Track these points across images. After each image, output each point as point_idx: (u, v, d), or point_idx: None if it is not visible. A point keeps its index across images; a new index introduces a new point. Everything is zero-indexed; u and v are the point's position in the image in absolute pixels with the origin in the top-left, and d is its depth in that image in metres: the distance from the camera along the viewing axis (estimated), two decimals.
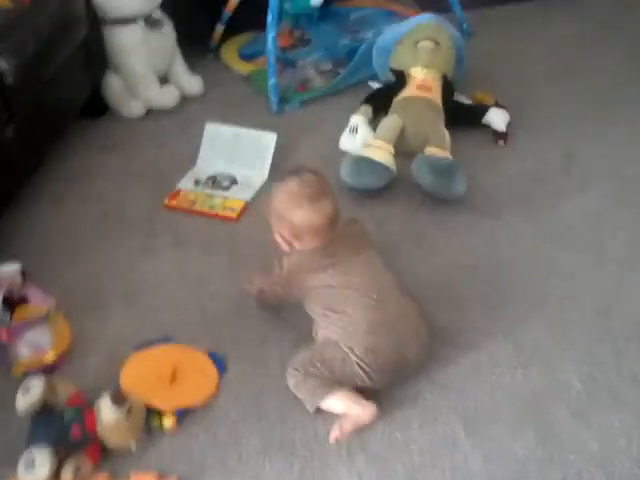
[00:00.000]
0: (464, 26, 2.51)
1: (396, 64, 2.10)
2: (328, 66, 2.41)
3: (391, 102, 2.03)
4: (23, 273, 1.53)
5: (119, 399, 1.26)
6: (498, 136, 2.04)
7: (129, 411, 1.27)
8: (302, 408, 1.35)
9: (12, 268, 1.49)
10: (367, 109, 2.06)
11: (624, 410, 1.34)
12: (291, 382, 1.38)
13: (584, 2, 2.81)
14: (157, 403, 1.34)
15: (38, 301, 1.51)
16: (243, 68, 2.42)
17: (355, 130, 2.01)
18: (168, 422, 1.32)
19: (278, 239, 1.46)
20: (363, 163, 1.84)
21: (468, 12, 2.57)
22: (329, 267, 1.40)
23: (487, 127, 2.07)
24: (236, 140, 2.01)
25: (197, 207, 1.85)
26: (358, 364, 1.34)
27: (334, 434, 1.31)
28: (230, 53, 2.49)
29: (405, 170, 1.87)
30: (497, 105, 2.10)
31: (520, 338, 1.48)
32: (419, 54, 2.06)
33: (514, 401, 1.36)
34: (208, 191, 1.91)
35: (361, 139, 1.99)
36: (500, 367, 1.43)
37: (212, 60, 2.48)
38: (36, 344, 1.42)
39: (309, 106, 2.24)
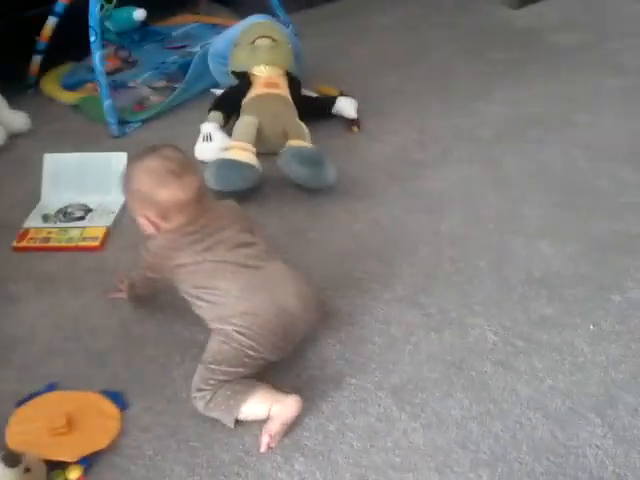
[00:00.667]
0: (289, 27, 2.50)
1: (237, 66, 2.04)
2: (162, 83, 2.31)
3: (240, 104, 1.96)
4: None
5: (12, 459, 1.07)
6: (351, 123, 2.04)
7: (27, 470, 1.08)
8: (223, 426, 1.23)
9: None
10: (217, 115, 1.98)
11: (541, 351, 1.35)
12: (200, 405, 1.24)
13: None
14: (56, 456, 1.16)
15: None
16: (70, 97, 2.24)
17: (209, 138, 1.92)
18: (74, 474, 1.15)
19: (143, 222, 1.34)
20: (227, 166, 1.75)
21: (290, 15, 2.57)
22: (196, 242, 1.31)
23: (338, 117, 2.06)
24: (83, 167, 1.84)
25: (52, 243, 1.67)
26: (239, 332, 1.24)
27: (264, 441, 1.20)
28: (52, 85, 2.30)
29: (270, 168, 1.81)
30: (343, 94, 2.10)
31: (425, 304, 1.46)
32: (258, 52, 2.01)
33: (436, 365, 1.33)
34: (61, 225, 1.73)
35: (218, 145, 1.90)
36: (414, 335, 1.39)
37: (33, 95, 2.28)
38: None
39: (153, 125, 2.12)
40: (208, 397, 1.23)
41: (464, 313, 1.43)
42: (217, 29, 2.54)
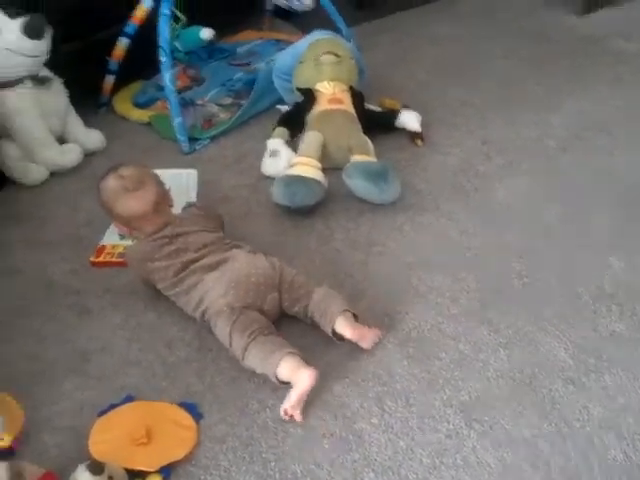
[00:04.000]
0: (351, 41, 2.53)
1: (301, 83, 2.08)
2: (228, 100, 2.36)
3: (305, 121, 2.00)
4: None
5: (97, 468, 1.13)
6: (415, 136, 2.05)
7: (110, 478, 1.14)
8: (295, 439, 1.26)
9: None
10: (282, 131, 2.01)
11: (613, 368, 1.34)
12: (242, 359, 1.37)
13: (453, 5, 2.90)
14: (138, 465, 1.21)
15: None
16: (141, 116, 2.32)
17: (275, 153, 1.96)
18: None
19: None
20: (294, 182, 1.79)
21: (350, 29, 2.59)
22: (164, 247, 1.52)
23: (401, 130, 2.07)
24: None
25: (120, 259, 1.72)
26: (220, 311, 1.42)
27: (283, 408, 1.30)
28: (124, 104, 2.38)
29: (335, 184, 1.84)
30: (406, 107, 2.11)
31: (494, 320, 1.46)
32: (322, 69, 2.04)
33: (506, 383, 1.33)
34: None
35: (284, 161, 1.94)
36: (482, 352, 1.40)
37: (106, 114, 2.37)
38: None
39: (221, 141, 2.17)
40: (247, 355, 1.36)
41: (533, 329, 1.43)
42: (281, 45, 2.59)
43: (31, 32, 1.91)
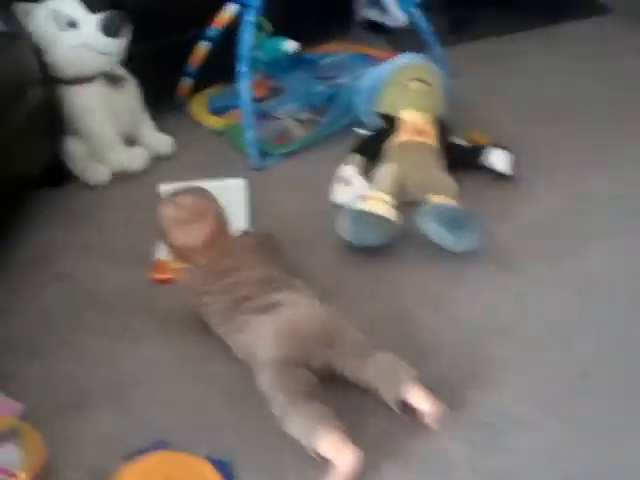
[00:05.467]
0: (445, 65, 2.37)
1: (385, 108, 1.94)
2: (306, 115, 2.24)
3: (383, 149, 1.86)
4: None
5: None
6: (502, 179, 1.87)
7: None
8: None
9: None
10: (358, 158, 1.88)
11: None
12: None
13: (556, 35, 2.70)
14: None
15: (3, 410, 1.27)
16: (216, 123, 2.23)
17: (348, 181, 1.83)
18: None
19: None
20: (363, 217, 1.65)
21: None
22: (217, 282, 1.41)
23: (487, 169, 1.90)
24: None
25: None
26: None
27: None
28: (199, 108, 2.30)
29: (408, 222, 1.69)
30: (495, 145, 1.94)
31: (568, 411, 1.29)
32: (410, 96, 1.90)
33: None
34: None
35: (356, 191, 1.81)
36: (558, 450, 1.22)
37: (180, 116, 2.28)
38: (3, 465, 1.18)
39: (292, 159, 2.06)
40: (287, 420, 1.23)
41: (616, 428, 1.25)
42: (368, 60, 2.46)
43: (107, 29, 1.85)
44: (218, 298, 1.41)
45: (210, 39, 2.15)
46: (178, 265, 1.59)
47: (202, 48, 2.16)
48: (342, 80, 2.36)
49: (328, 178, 1.90)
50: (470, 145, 1.95)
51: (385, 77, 1.98)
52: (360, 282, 1.61)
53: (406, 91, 1.90)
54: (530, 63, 2.51)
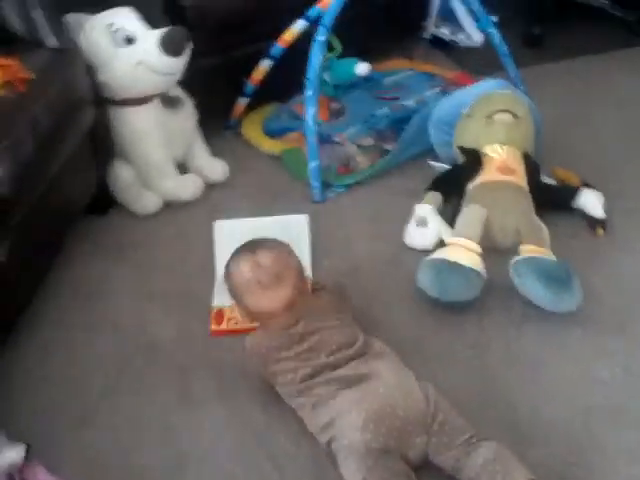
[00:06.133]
0: (521, 88, 2.18)
1: (466, 142, 1.75)
2: (370, 141, 2.05)
3: (464, 188, 1.68)
4: (27, 450, 1.14)
5: None
6: (596, 223, 1.68)
7: None
8: None
9: (15, 453, 1.09)
10: (436, 196, 1.70)
11: None
12: None
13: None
14: None
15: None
16: (272, 147, 2.05)
17: (424, 222, 1.66)
18: None
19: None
20: (448, 269, 1.47)
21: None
22: (293, 347, 1.24)
23: (578, 212, 1.71)
24: (260, 233, 1.57)
25: (246, 325, 1.44)
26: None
27: None
28: (254, 129, 2.12)
29: (494, 271, 1.51)
30: (587, 185, 1.75)
31: None
32: (496, 129, 1.71)
33: None
34: None
35: (433, 234, 1.64)
36: None
37: (233, 138, 2.11)
38: None
39: (356, 191, 1.88)
40: None
41: None
42: (435, 80, 2.28)
43: (168, 47, 1.67)
44: (293, 366, 1.23)
45: (273, 57, 1.97)
46: (242, 319, 1.42)
47: (264, 67, 1.99)
48: (407, 102, 2.18)
49: (398, 215, 1.73)
50: (560, 185, 1.76)
51: (467, 105, 1.79)
52: (441, 339, 1.44)
53: (492, 123, 1.71)
54: (618, 87, 2.29)
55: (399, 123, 2.05)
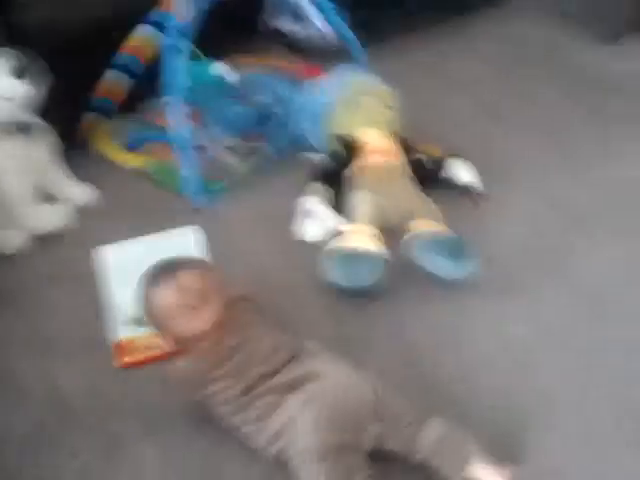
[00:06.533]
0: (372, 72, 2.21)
1: (339, 129, 1.77)
2: (235, 141, 2.02)
3: (345, 175, 1.70)
4: None
5: None
6: (470, 191, 1.76)
7: None
8: None
9: None
10: (320, 187, 1.71)
11: None
12: None
13: (464, 28, 2.60)
14: None
15: None
16: (135, 161, 1.95)
17: (313, 215, 1.66)
18: None
19: (164, 342, 1.28)
20: (351, 257, 1.49)
21: None
22: (225, 364, 1.20)
23: (447, 184, 1.77)
24: (149, 252, 1.50)
25: (159, 351, 1.38)
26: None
27: None
28: (112, 146, 2.01)
29: (394, 250, 1.53)
30: (452, 155, 1.83)
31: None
32: (365, 113, 1.75)
33: None
34: None
35: (324, 225, 1.65)
36: None
37: (95, 159, 1.97)
38: None
39: (236, 194, 1.83)
40: None
41: None
42: (282, 73, 2.27)
43: (11, 69, 1.55)
44: (229, 382, 1.19)
45: (120, 67, 1.88)
46: (155, 343, 1.35)
47: (111, 78, 1.89)
48: (260, 98, 2.16)
49: (285, 212, 1.72)
50: (429, 159, 1.83)
51: (331, 93, 1.81)
52: (363, 329, 1.45)
53: (360, 108, 1.75)
54: (450, 66, 2.39)
55: (259, 120, 2.04)
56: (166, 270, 1.26)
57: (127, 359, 1.40)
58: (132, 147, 2.01)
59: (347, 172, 1.70)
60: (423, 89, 2.21)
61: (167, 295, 1.23)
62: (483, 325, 1.45)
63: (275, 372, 1.20)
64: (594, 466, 1.19)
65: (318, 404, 1.13)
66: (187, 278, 1.24)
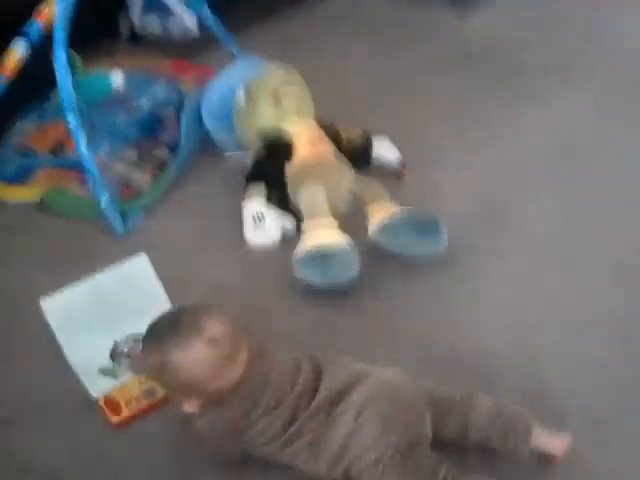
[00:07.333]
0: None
1: (263, 125, 1.66)
2: (133, 153, 1.83)
3: (283, 172, 1.61)
4: None
5: None
6: (398, 167, 1.75)
7: None
8: None
9: None
10: (259, 188, 1.61)
11: None
12: None
13: (314, 9, 2.56)
14: None
15: None
16: (23, 194, 1.72)
17: (260, 218, 1.57)
18: None
19: (189, 409, 1.09)
20: (327, 254, 1.42)
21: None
22: (258, 406, 1.08)
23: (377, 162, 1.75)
24: (96, 294, 1.35)
25: (153, 398, 1.25)
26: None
27: None
28: None
29: (358, 239, 1.48)
30: (372, 135, 1.80)
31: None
32: (287, 105, 1.65)
33: None
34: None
35: (274, 226, 1.57)
36: None
37: None
38: None
39: (156, 212, 1.68)
40: None
41: None
42: (156, 74, 2.09)
43: None
44: (270, 420, 1.08)
45: None
46: (138, 392, 1.23)
47: None
48: (140, 103, 1.97)
49: (225, 222, 1.62)
50: (357, 141, 1.78)
51: (239, 90, 1.69)
52: (351, 325, 1.39)
53: (280, 100, 1.65)
54: (314, 41, 2.34)
55: (148, 126, 1.88)
56: (188, 326, 1.06)
57: (115, 419, 1.23)
58: (12, 179, 1.76)
59: (284, 168, 1.61)
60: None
61: (199, 354, 1.04)
62: (469, 295, 1.45)
63: (313, 390, 1.10)
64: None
65: (374, 408, 1.06)
66: (214, 328, 1.07)
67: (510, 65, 2.17)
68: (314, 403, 1.09)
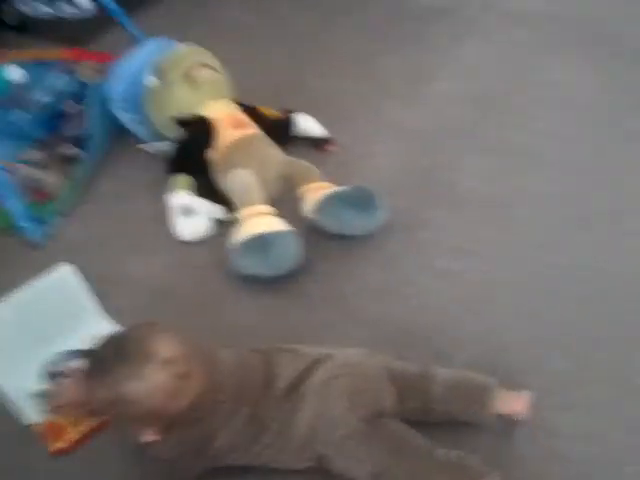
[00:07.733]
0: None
1: (177, 110, 1.57)
2: (37, 154, 1.70)
3: (205, 159, 1.53)
4: None
5: None
6: (324, 142, 1.70)
7: None
8: None
9: None
10: (184, 179, 1.52)
11: None
12: None
13: None
14: None
15: None
16: None
17: (188, 211, 1.49)
18: None
19: (149, 438, 0.99)
20: (267, 242, 1.35)
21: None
22: (219, 412, 1.03)
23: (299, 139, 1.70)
24: (20, 313, 1.25)
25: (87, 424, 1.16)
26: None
27: None
28: None
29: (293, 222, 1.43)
30: (288, 111, 1.74)
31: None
32: (203, 87, 1.57)
33: None
34: None
35: (203, 218, 1.49)
36: None
37: None
38: None
39: (73, 215, 1.57)
40: None
41: None
42: (50, 64, 1.95)
43: None
44: (230, 425, 1.02)
45: None
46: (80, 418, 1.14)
47: None
48: (39, 97, 1.83)
49: (150, 218, 1.53)
50: (278, 119, 1.72)
51: (147, 74, 1.59)
52: (301, 310, 1.35)
53: (195, 82, 1.56)
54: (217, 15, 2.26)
55: (49, 121, 1.75)
56: (127, 357, 0.95)
57: (59, 444, 1.14)
58: None
59: (207, 155, 1.53)
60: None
61: (155, 381, 0.94)
62: (414, 267, 1.42)
63: (275, 379, 1.05)
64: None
65: (339, 385, 1.03)
66: (163, 349, 0.96)
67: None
68: (273, 395, 1.04)
